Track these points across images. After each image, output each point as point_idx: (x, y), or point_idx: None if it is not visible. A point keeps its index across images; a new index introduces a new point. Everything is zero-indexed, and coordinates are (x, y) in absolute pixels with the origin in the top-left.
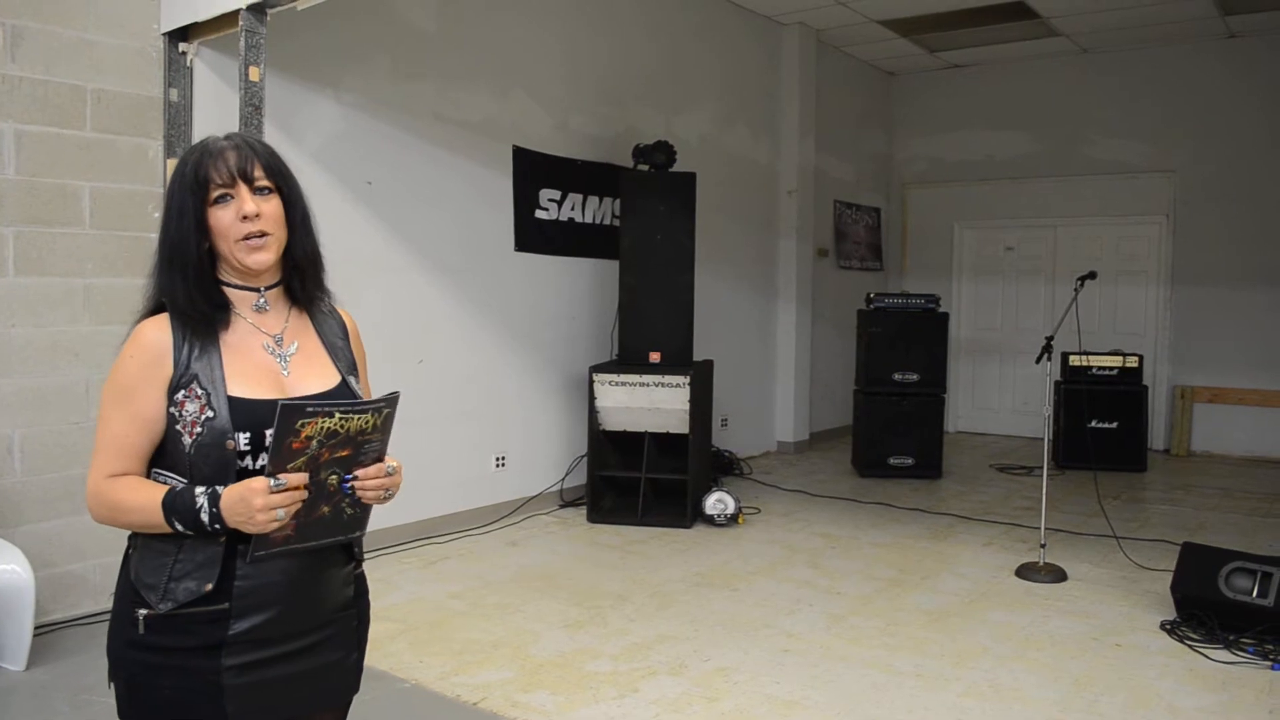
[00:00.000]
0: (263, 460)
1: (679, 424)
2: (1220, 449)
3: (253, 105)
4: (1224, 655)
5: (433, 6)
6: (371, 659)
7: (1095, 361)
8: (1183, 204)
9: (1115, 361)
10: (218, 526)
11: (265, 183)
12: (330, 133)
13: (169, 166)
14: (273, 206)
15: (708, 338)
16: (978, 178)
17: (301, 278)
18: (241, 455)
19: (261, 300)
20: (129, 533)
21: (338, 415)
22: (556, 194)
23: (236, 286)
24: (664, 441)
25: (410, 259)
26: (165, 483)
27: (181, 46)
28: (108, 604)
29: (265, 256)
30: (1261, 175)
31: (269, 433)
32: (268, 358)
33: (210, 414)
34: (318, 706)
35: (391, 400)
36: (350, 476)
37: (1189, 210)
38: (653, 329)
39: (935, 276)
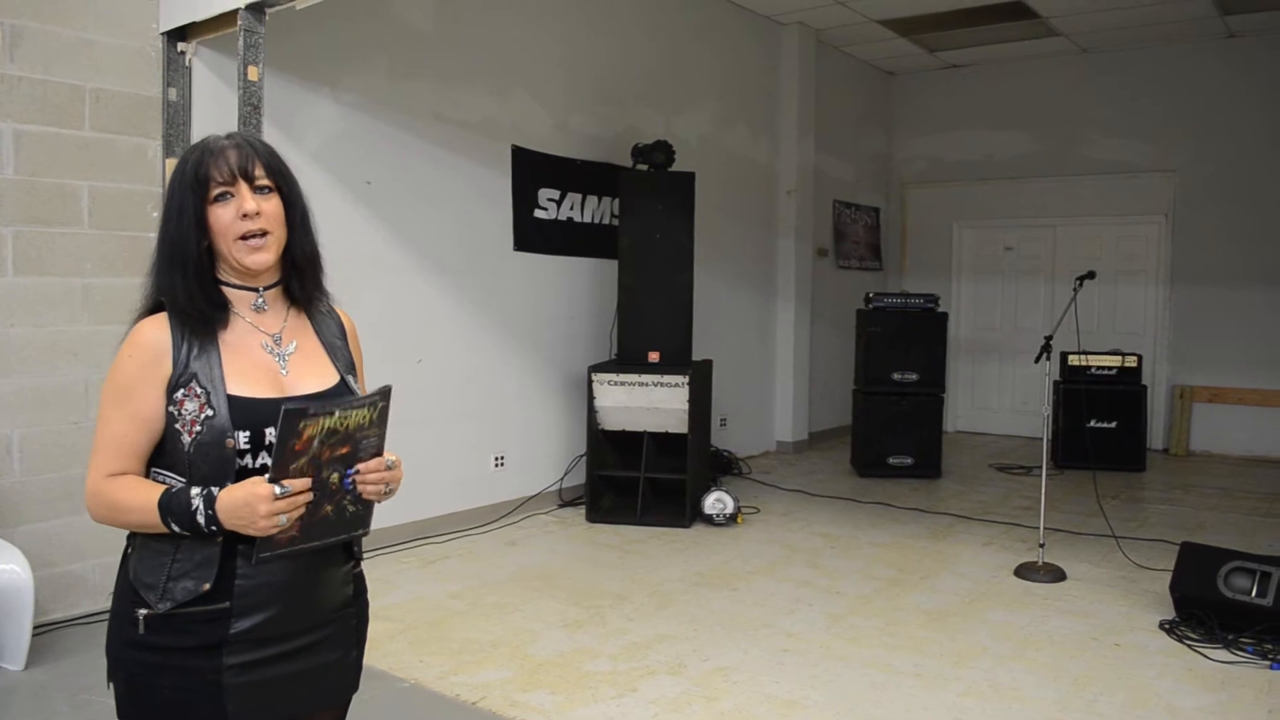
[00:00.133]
0: (263, 459)
1: (678, 424)
2: (1219, 449)
3: (251, 105)
4: (1223, 655)
5: (430, 6)
6: (370, 658)
7: (1094, 361)
8: (1182, 204)
9: (1114, 361)
10: (213, 528)
11: (265, 181)
12: (329, 132)
13: (168, 166)
14: (273, 205)
15: (707, 337)
16: (977, 177)
17: (301, 277)
18: (241, 454)
19: (260, 300)
20: (128, 532)
21: (337, 413)
22: (556, 193)
23: (235, 286)
24: (663, 441)
25: (409, 259)
26: (164, 482)
27: (180, 46)
28: (107, 604)
29: (264, 256)
30: (1261, 175)
31: (269, 431)
32: (266, 357)
33: (210, 413)
34: (317, 705)
35: (385, 393)
36: (352, 471)
37: (1188, 210)
38: (652, 328)
39: (934, 276)
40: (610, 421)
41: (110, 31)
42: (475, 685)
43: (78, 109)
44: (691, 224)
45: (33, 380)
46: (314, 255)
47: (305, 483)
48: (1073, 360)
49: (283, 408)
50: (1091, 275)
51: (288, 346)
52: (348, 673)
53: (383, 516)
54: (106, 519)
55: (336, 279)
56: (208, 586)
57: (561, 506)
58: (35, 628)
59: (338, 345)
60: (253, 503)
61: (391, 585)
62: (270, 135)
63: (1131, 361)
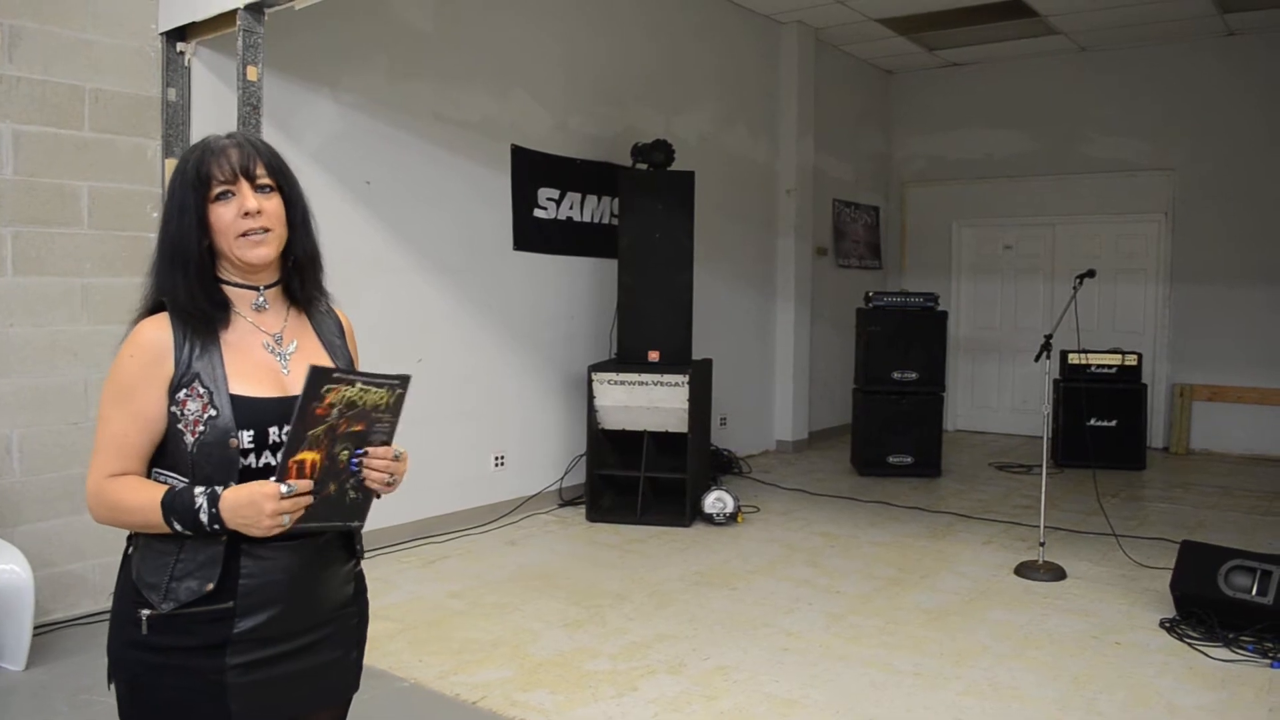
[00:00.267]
0: (266, 459)
1: (678, 423)
2: (1219, 447)
3: (251, 105)
4: (1223, 653)
5: (430, 6)
6: (371, 658)
7: (1094, 360)
8: (1181, 202)
9: (1114, 360)
10: (216, 527)
11: (267, 181)
12: (329, 132)
13: (167, 166)
14: (274, 204)
15: (706, 336)
16: (976, 176)
17: (301, 277)
18: (244, 453)
19: (261, 299)
20: (129, 533)
21: (358, 385)
22: (555, 193)
23: (236, 285)
24: (663, 440)
25: (409, 259)
26: (166, 483)
27: (179, 46)
28: (107, 604)
29: (265, 251)
30: (1260, 173)
31: (272, 430)
32: (268, 356)
33: (213, 413)
34: (318, 705)
35: (405, 381)
36: (360, 452)
37: (1188, 208)
38: (651, 328)
39: (934, 275)
40: (610, 421)
41: (109, 31)
42: (475, 685)
43: (77, 109)
44: (691, 223)
45: (32, 380)
46: (314, 254)
47: (308, 484)
48: (1072, 359)
49: (310, 366)
50: (1091, 274)
51: (288, 346)
52: (348, 672)
53: (383, 516)
54: (108, 519)
55: (336, 279)
56: (211, 586)
57: (561, 506)
58: (35, 628)
59: (337, 344)
60: (258, 501)
61: (391, 585)
62: (269, 135)
63: (1131, 360)
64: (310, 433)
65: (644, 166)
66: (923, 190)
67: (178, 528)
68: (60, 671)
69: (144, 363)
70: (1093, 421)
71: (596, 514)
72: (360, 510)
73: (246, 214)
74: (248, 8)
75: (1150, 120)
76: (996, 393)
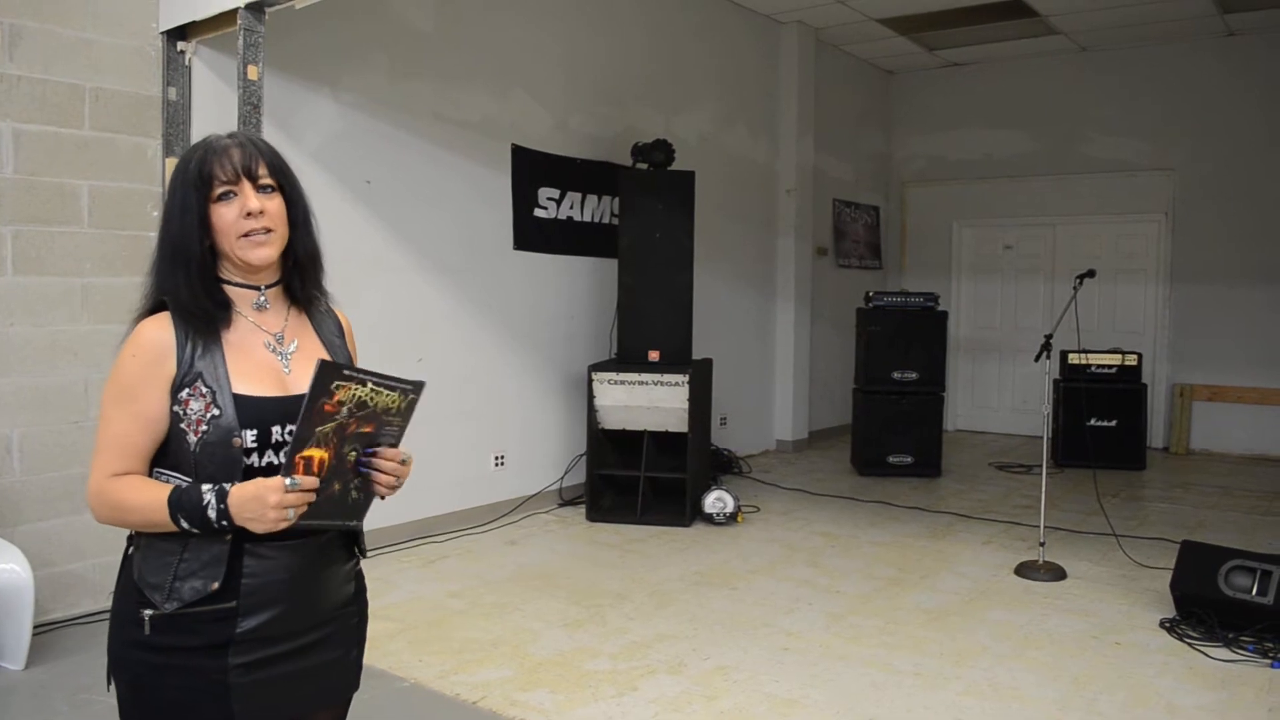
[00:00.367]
0: (269, 458)
1: (678, 423)
2: (1219, 447)
3: (251, 104)
4: (1223, 653)
5: (430, 6)
6: (371, 658)
7: (1094, 360)
8: (1181, 202)
9: (1114, 360)
10: (224, 523)
11: (269, 181)
12: (329, 132)
13: (168, 165)
14: (276, 204)
15: (707, 336)
16: (976, 176)
17: (302, 276)
18: (248, 453)
19: (262, 298)
20: (129, 532)
21: (370, 385)
22: (555, 193)
23: (237, 284)
24: (663, 440)
25: (409, 258)
26: (169, 482)
27: (180, 45)
28: (107, 603)
29: (267, 251)
30: (1260, 173)
31: (275, 430)
32: (269, 356)
33: (216, 412)
34: (319, 704)
35: (418, 387)
36: (370, 451)
37: (1188, 208)
38: (652, 328)
39: (934, 275)
40: (610, 420)
41: (110, 31)
42: (475, 685)
43: (77, 108)
44: (691, 223)
45: (32, 380)
46: (315, 254)
47: (313, 481)
48: (1073, 359)
49: (318, 360)
50: (1091, 274)
51: (290, 345)
52: (349, 671)
53: (383, 516)
54: (110, 519)
55: (336, 279)
56: (216, 586)
57: (561, 506)
58: (35, 627)
59: (337, 344)
60: (263, 495)
61: (391, 585)
62: (270, 135)
63: (1131, 360)
64: (319, 430)
65: (644, 166)
66: (923, 190)
67: (185, 525)
68: (60, 671)
69: (146, 362)
70: (1093, 421)
71: (596, 514)
72: (361, 510)
73: (249, 214)
74: (248, 7)
75: (1150, 120)
76: (996, 393)
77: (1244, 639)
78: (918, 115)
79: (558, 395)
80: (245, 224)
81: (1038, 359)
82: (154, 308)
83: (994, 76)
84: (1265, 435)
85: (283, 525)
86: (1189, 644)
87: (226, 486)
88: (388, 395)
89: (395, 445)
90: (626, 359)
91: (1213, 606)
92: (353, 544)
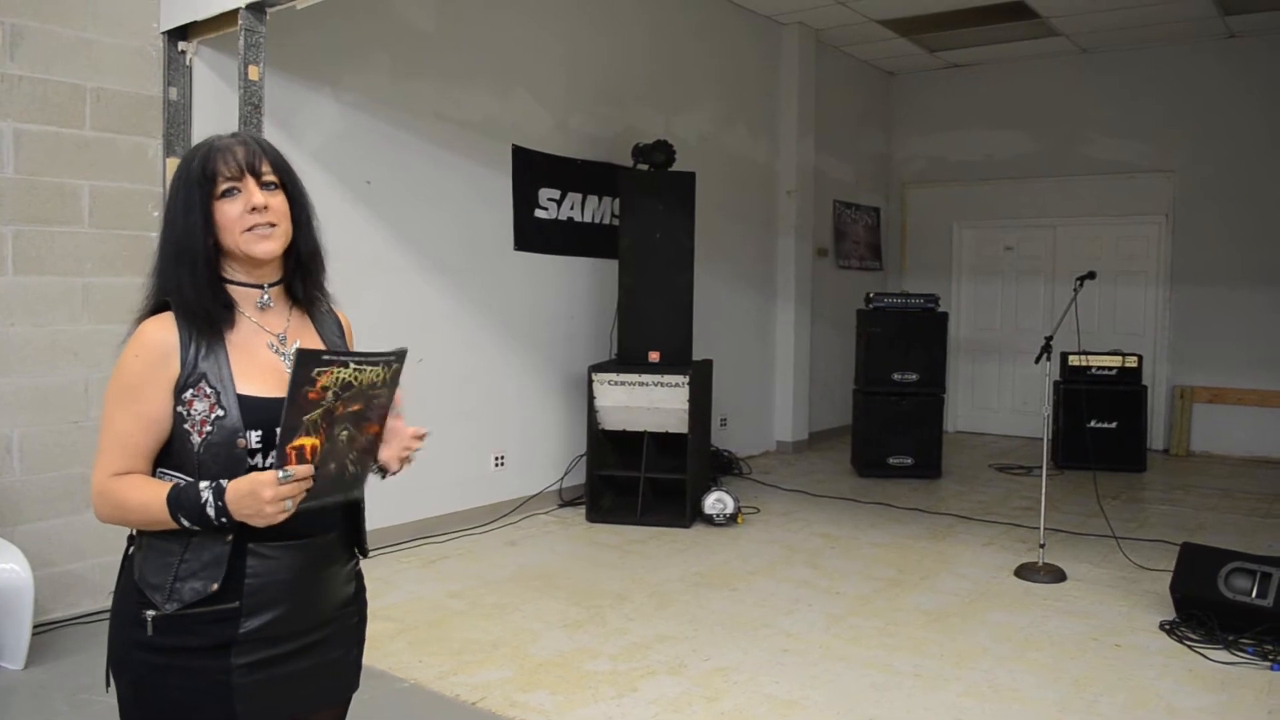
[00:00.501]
0: (273, 459)
1: (678, 423)
2: (1220, 449)
3: (252, 104)
4: (1223, 655)
5: (431, 6)
6: (370, 658)
7: (1094, 361)
8: (1182, 204)
9: (1114, 361)
10: (224, 520)
11: (272, 178)
12: (330, 132)
13: (168, 165)
14: (279, 201)
15: (707, 337)
16: (977, 177)
17: (304, 276)
18: (252, 453)
19: (265, 297)
20: (130, 532)
21: (352, 366)
22: (556, 193)
23: (240, 284)
24: (663, 441)
25: (409, 258)
26: (171, 481)
27: (181, 45)
28: (107, 603)
29: (272, 245)
30: (1261, 175)
31: (279, 430)
32: (272, 356)
33: (220, 413)
34: (320, 704)
35: (401, 355)
36: (373, 417)
37: (1188, 210)
38: (652, 328)
39: (934, 276)
40: (610, 421)
41: (110, 31)
42: (475, 685)
43: (78, 108)
44: (692, 224)
45: (33, 380)
46: (318, 253)
47: (308, 469)
48: (1073, 360)
49: (296, 348)
50: (1092, 275)
51: (292, 346)
52: (349, 671)
53: (383, 516)
54: (112, 518)
55: (336, 279)
56: (216, 586)
57: (561, 506)
58: (35, 627)
59: (338, 344)
60: (257, 490)
61: (391, 585)
62: (271, 134)
63: (1132, 362)
64: (306, 418)
65: (645, 167)
66: (923, 191)
67: (185, 523)
68: (60, 671)
69: (149, 362)
70: (1093, 423)
71: (597, 514)
72: (359, 482)
73: (253, 209)
74: (249, 7)
75: (1151, 122)
76: (997, 394)
77: (1244, 641)
78: (918, 116)
79: (558, 396)
80: (250, 218)
81: (1038, 361)
82: (156, 308)
83: (995, 78)
84: (1266, 437)
85: (283, 517)
86: (1189, 646)
87: (224, 483)
88: (371, 371)
89: (385, 414)
90: (627, 360)
91: (1213, 609)
92: (354, 544)
